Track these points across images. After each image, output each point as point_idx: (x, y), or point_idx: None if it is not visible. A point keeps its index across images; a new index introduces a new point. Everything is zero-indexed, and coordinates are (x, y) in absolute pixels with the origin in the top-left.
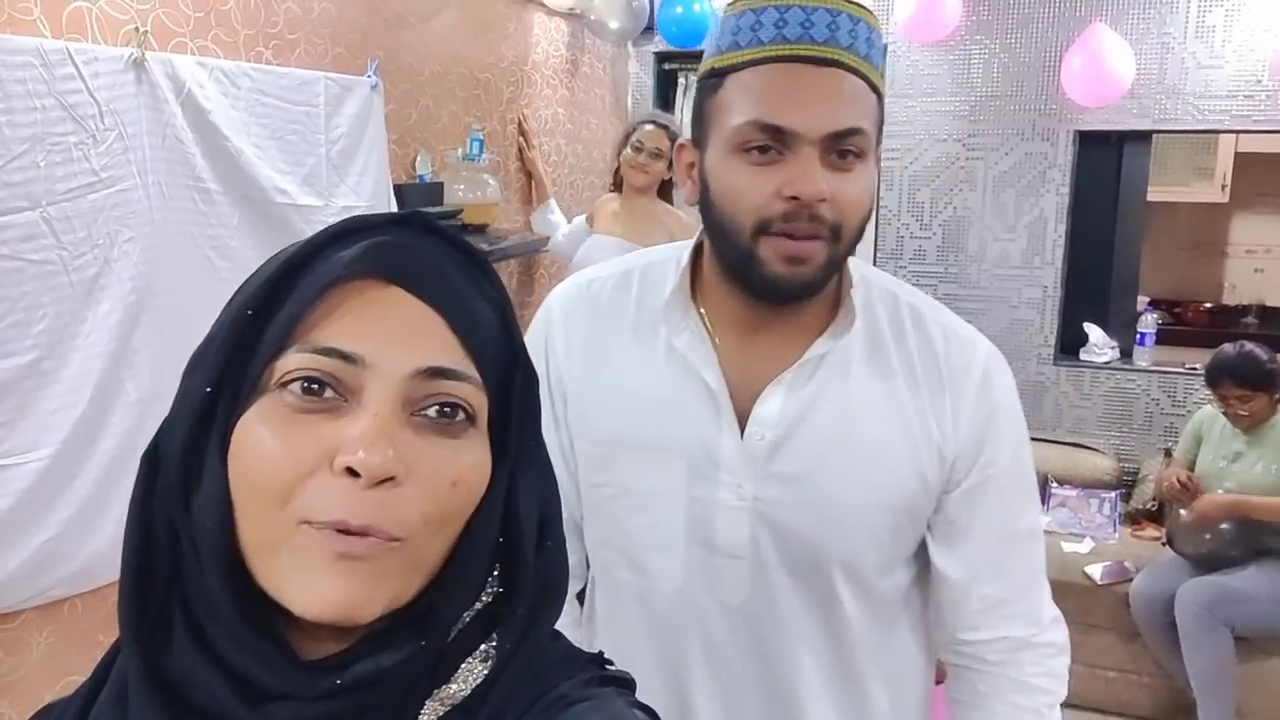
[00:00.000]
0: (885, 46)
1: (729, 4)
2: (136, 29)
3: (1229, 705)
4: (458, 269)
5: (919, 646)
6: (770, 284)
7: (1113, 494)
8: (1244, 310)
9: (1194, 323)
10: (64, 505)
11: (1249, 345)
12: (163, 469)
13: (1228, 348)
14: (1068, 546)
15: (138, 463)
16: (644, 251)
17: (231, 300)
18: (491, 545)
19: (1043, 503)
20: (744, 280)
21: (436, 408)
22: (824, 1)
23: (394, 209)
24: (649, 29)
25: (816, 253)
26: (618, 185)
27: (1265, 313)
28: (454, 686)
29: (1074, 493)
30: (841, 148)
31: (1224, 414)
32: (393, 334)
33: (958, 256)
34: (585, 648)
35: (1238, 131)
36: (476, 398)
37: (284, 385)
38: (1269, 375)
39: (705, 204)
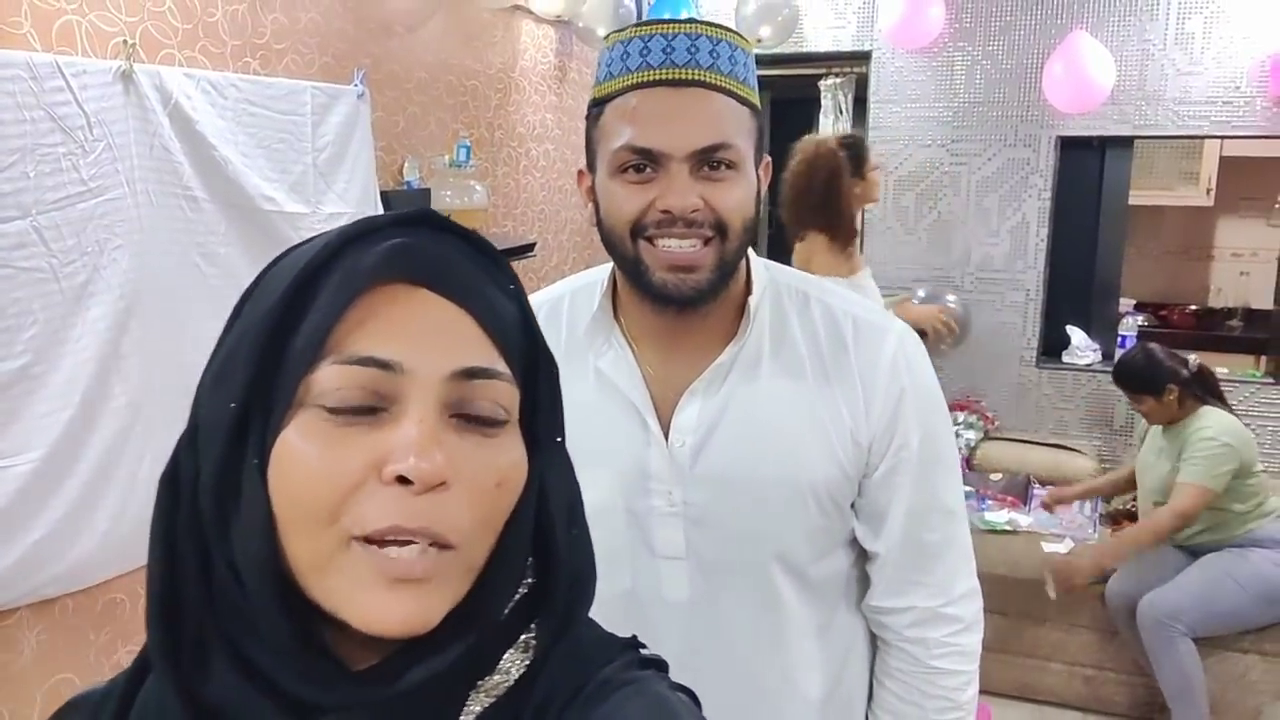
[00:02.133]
0: (754, 60)
1: (605, 38)
2: (125, 42)
3: (1201, 709)
4: (475, 265)
5: (859, 631)
6: (659, 291)
7: None
8: (1229, 313)
9: (1180, 325)
10: (54, 506)
11: (1145, 348)
12: (185, 491)
13: (1128, 351)
14: (1048, 547)
15: (125, 465)
16: (576, 276)
17: (243, 312)
18: (529, 539)
19: (1024, 503)
20: (641, 290)
21: (475, 408)
22: (684, 28)
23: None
24: None
25: (704, 258)
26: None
27: (1250, 315)
28: (497, 678)
29: None
30: (712, 160)
31: None
32: (426, 337)
33: (943, 260)
34: None
35: (1217, 137)
36: (510, 394)
37: (322, 398)
38: (1146, 379)
39: (599, 223)
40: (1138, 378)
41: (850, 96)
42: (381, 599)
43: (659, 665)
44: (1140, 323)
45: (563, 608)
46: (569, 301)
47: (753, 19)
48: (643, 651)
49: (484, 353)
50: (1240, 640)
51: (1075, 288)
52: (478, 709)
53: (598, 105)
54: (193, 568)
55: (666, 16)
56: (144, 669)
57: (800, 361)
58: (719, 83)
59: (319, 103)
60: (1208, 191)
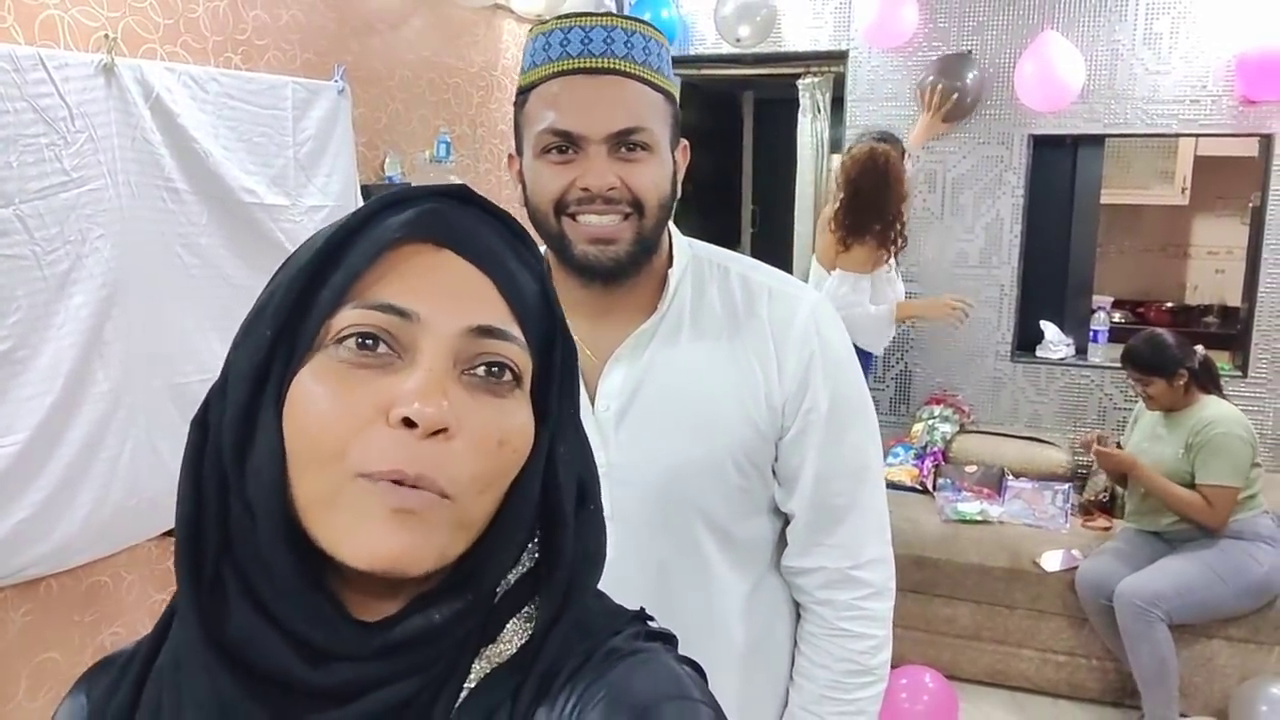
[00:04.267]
0: (668, 51)
1: (530, 30)
2: (107, 36)
3: (1172, 693)
4: (500, 238)
5: (785, 597)
6: (582, 262)
7: (1065, 486)
8: (1205, 310)
9: (1156, 322)
10: (37, 488)
11: (1155, 333)
12: (213, 432)
13: (1138, 335)
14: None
15: (107, 449)
16: None
17: (282, 269)
18: (533, 507)
19: (999, 494)
20: (567, 263)
21: (485, 367)
22: (601, 21)
23: None
24: None
25: (622, 232)
26: None
27: (1226, 312)
28: (501, 646)
29: (1029, 485)
30: (628, 143)
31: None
32: (445, 293)
33: (918, 256)
34: None
35: (1185, 135)
36: (522, 359)
37: (339, 341)
38: (1159, 362)
39: (526, 202)
40: (1152, 358)
41: (828, 95)
42: (379, 529)
43: (666, 638)
44: (1115, 319)
45: (564, 583)
46: None
47: (731, 19)
48: (650, 624)
49: (500, 315)
50: (1208, 626)
51: (1049, 283)
52: (480, 675)
53: (523, 93)
54: (215, 507)
55: (587, 11)
56: (165, 630)
57: (718, 329)
58: (634, 71)
59: (300, 98)
60: (1183, 190)
